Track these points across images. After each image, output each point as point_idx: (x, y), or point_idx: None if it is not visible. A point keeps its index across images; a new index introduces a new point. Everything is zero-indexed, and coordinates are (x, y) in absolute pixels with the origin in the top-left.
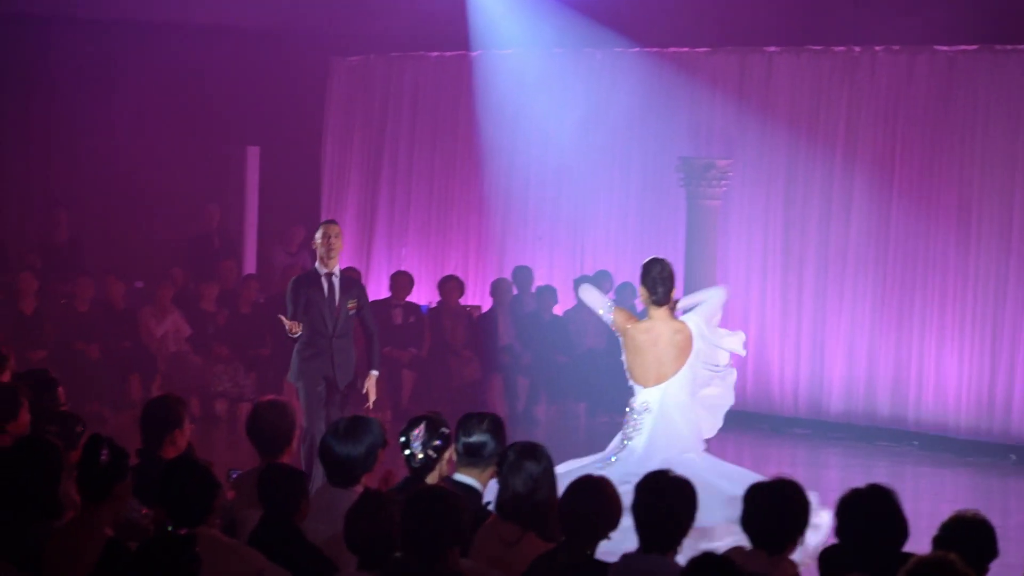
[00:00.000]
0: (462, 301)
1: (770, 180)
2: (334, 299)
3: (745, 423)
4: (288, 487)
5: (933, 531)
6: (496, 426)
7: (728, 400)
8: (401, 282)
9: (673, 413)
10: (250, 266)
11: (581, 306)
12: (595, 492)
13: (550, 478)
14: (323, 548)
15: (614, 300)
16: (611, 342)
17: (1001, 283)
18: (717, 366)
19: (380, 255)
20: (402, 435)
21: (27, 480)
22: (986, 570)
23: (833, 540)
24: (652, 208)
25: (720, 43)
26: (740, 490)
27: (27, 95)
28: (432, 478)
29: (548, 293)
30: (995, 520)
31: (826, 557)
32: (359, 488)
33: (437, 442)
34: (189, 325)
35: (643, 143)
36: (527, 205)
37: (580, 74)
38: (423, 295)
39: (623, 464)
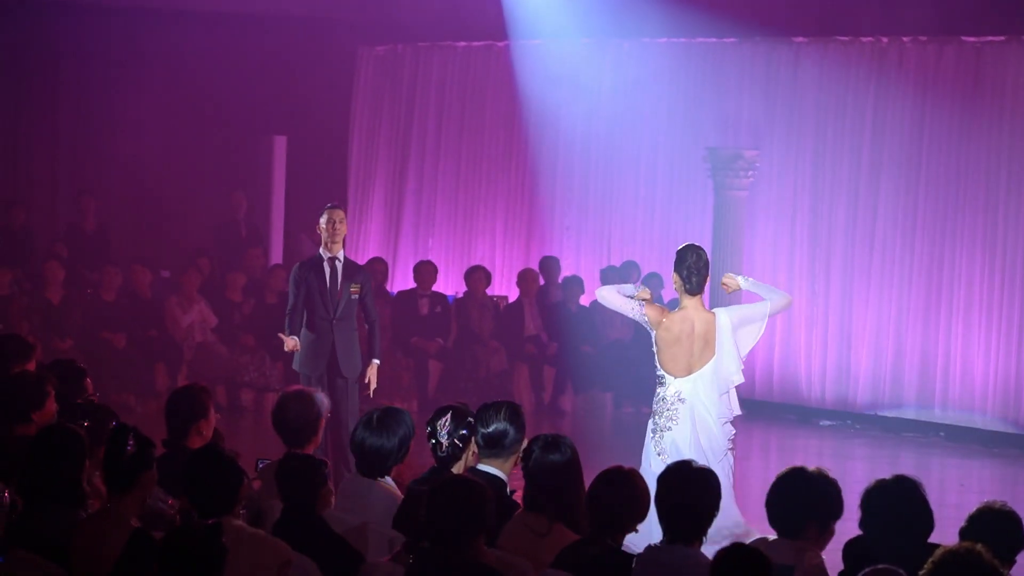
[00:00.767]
0: (488, 291)
1: (797, 170)
2: (336, 283)
3: (772, 414)
4: (306, 476)
5: (960, 522)
6: (514, 414)
7: (736, 410)
8: (425, 272)
9: (705, 403)
10: (276, 255)
11: None
12: (624, 484)
13: (576, 469)
14: (349, 537)
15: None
16: (637, 333)
17: None
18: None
19: (407, 245)
20: (429, 425)
21: (52, 468)
22: (1013, 561)
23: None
24: (679, 198)
25: (748, 34)
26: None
27: (55, 84)
28: (458, 468)
29: (575, 283)
30: (1022, 511)
31: (851, 548)
32: (389, 479)
33: (463, 432)
34: (215, 315)
35: (670, 133)
36: (554, 195)
37: (607, 64)
38: (450, 285)
39: (672, 459)
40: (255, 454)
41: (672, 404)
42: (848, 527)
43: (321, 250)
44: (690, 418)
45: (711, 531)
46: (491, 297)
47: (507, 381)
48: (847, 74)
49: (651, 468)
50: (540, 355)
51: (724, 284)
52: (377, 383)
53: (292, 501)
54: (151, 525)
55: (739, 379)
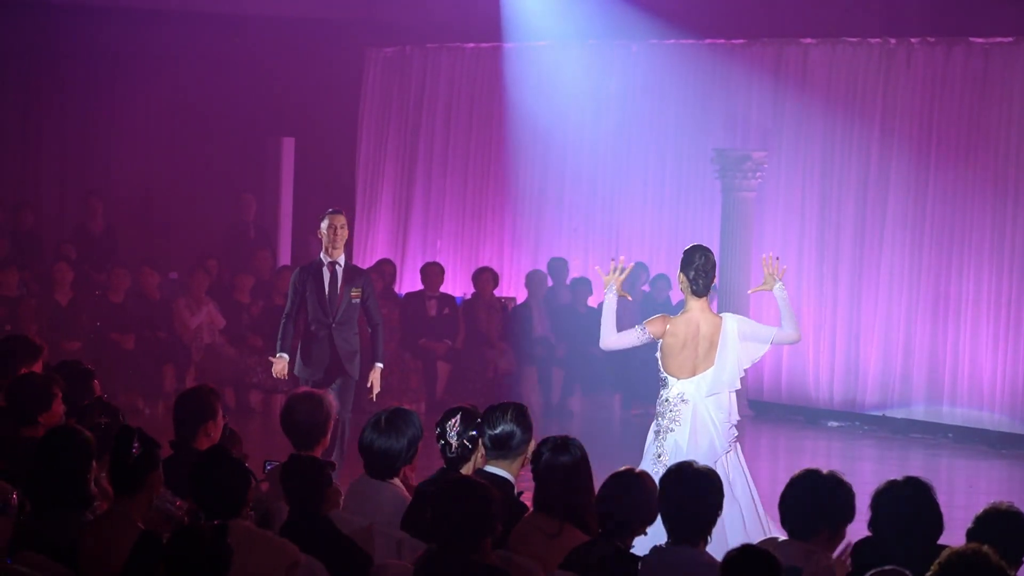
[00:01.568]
0: (496, 293)
1: (805, 172)
2: (336, 287)
3: (780, 415)
4: (311, 478)
5: (967, 523)
6: (520, 415)
7: (735, 416)
8: (432, 273)
9: (708, 404)
10: (285, 257)
11: None
12: (634, 486)
13: (585, 470)
14: (356, 538)
15: (647, 293)
16: None
17: None
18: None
19: (415, 246)
20: (438, 426)
21: (59, 470)
22: (1020, 562)
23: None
24: (687, 200)
25: (756, 35)
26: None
27: (63, 87)
28: (467, 469)
29: (583, 285)
30: None
31: (860, 549)
32: (397, 480)
33: (473, 433)
34: (223, 316)
35: (678, 135)
36: (562, 197)
37: (615, 66)
38: (458, 287)
39: (674, 462)
40: (263, 456)
41: (675, 405)
42: (856, 528)
43: (322, 254)
44: (691, 419)
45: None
46: (499, 298)
47: (515, 382)
48: (855, 75)
49: (649, 470)
50: (548, 356)
51: (766, 276)
52: (380, 387)
53: (296, 503)
54: (159, 527)
55: (737, 385)
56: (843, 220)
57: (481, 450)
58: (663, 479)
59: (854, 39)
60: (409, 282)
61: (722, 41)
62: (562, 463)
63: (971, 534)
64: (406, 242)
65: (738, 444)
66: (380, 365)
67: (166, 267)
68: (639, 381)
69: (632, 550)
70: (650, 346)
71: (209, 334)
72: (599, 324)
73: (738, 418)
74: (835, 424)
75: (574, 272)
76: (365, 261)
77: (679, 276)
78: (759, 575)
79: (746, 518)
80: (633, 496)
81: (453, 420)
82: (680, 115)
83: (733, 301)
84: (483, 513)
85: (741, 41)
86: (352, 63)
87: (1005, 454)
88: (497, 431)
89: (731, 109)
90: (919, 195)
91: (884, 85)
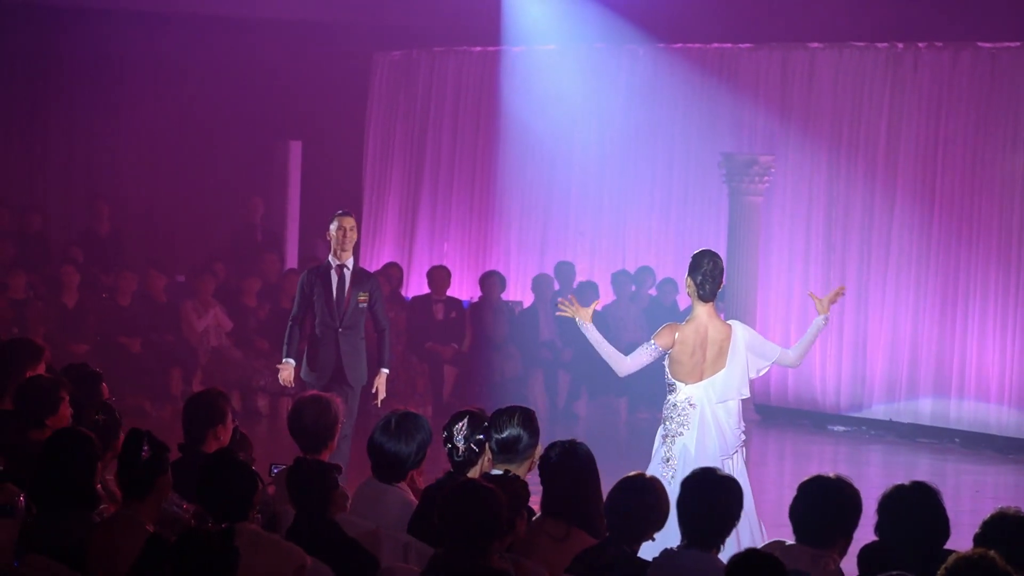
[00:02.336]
0: (503, 296)
1: (812, 176)
2: (343, 291)
3: (787, 420)
4: (316, 482)
5: (975, 528)
6: (527, 419)
7: (742, 423)
8: (439, 277)
9: (717, 410)
10: (292, 260)
11: (622, 301)
12: (642, 491)
13: (592, 474)
14: (363, 541)
15: (654, 297)
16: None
17: None
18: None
19: (422, 250)
20: (445, 430)
21: (64, 472)
22: None
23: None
24: (694, 204)
25: (763, 39)
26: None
27: (70, 90)
28: (474, 472)
29: (590, 289)
30: None
31: (866, 555)
32: (403, 484)
33: (480, 436)
34: (230, 319)
35: (685, 139)
36: (569, 201)
37: (622, 70)
38: (464, 290)
39: (683, 466)
40: (270, 459)
41: (683, 410)
42: (861, 533)
43: (330, 257)
44: (699, 423)
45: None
46: (506, 302)
47: (522, 386)
48: (862, 79)
49: (657, 474)
50: (555, 360)
51: (825, 301)
52: (385, 392)
53: (302, 507)
54: (166, 530)
55: (746, 393)
56: (850, 224)
57: (488, 454)
58: (685, 482)
59: (861, 43)
60: (416, 286)
61: (729, 45)
62: (569, 467)
63: (978, 539)
64: (413, 245)
65: (743, 449)
66: (386, 371)
67: (173, 270)
68: (645, 385)
69: (639, 554)
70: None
71: (216, 337)
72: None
73: (744, 425)
74: (841, 429)
75: (581, 276)
76: (372, 264)
77: (687, 280)
78: None
79: (751, 525)
80: (642, 500)
81: (460, 424)
82: (687, 119)
83: (740, 305)
84: (491, 517)
85: (748, 45)
86: (359, 66)
87: (1012, 459)
88: (504, 435)
89: (738, 113)
90: (926, 199)
91: (891, 89)
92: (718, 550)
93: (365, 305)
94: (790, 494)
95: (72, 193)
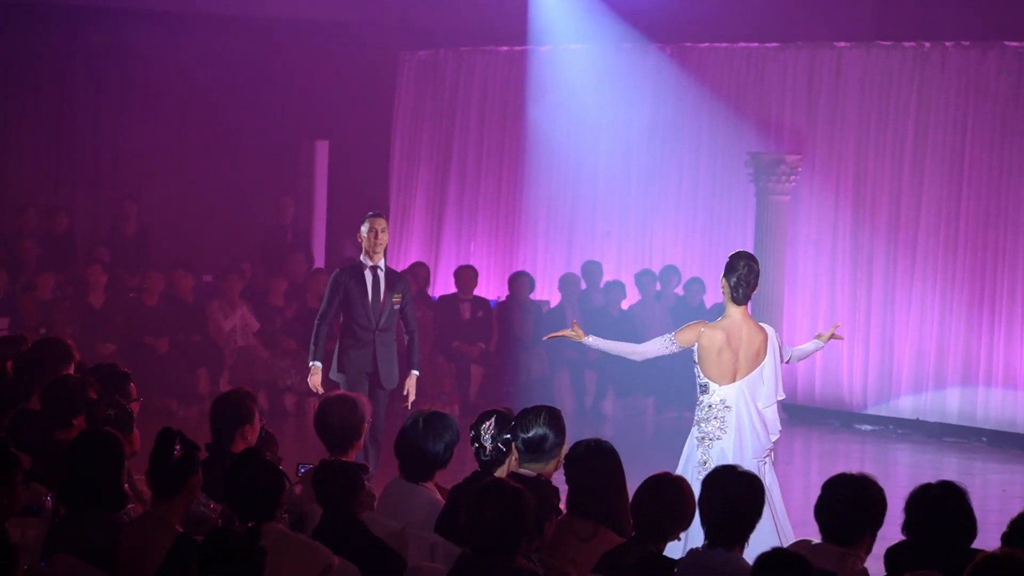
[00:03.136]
0: (531, 296)
1: (839, 176)
2: (378, 293)
3: (813, 419)
4: (341, 482)
5: (1002, 528)
6: (553, 418)
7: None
8: (466, 276)
9: (751, 411)
10: (319, 260)
11: (647, 301)
12: (669, 491)
13: (618, 474)
14: (390, 541)
15: (680, 296)
16: None
17: None
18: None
19: (449, 250)
20: (472, 429)
21: (91, 473)
22: None
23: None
24: (721, 203)
25: (790, 38)
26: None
27: (97, 89)
28: (501, 472)
29: (616, 288)
30: None
31: (893, 554)
32: (430, 484)
33: (507, 436)
34: (257, 319)
35: (712, 138)
36: (595, 200)
37: (649, 69)
38: (491, 290)
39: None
40: (297, 458)
41: (719, 412)
42: (888, 532)
43: (362, 258)
44: (736, 426)
45: None
46: (533, 301)
47: (549, 386)
48: (889, 79)
49: (692, 476)
50: (582, 360)
51: (825, 336)
52: (415, 395)
53: (329, 506)
54: (194, 530)
55: (782, 395)
56: (877, 223)
57: (515, 453)
58: (706, 481)
59: (888, 42)
60: (443, 285)
61: (756, 45)
62: (594, 466)
63: (1006, 539)
64: (440, 245)
65: (773, 452)
66: (416, 373)
67: (200, 270)
68: (673, 385)
69: (665, 554)
70: (687, 351)
71: (243, 337)
72: (633, 327)
73: (780, 427)
74: (868, 428)
75: (608, 275)
76: (399, 264)
77: (721, 281)
78: None
79: (781, 526)
80: (669, 500)
81: (488, 423)
82: (714, 118)
83: (767, 304)
84: (518, 517)
85: (775, 45)
86: (386, 66)
87: None
88: (530, 434)
89: (765, 113)
90: (953, 198)
91: (918, 88)
92: (742, 548)
93: (399, 307)
94: (816, 494)
95: (99, 193)
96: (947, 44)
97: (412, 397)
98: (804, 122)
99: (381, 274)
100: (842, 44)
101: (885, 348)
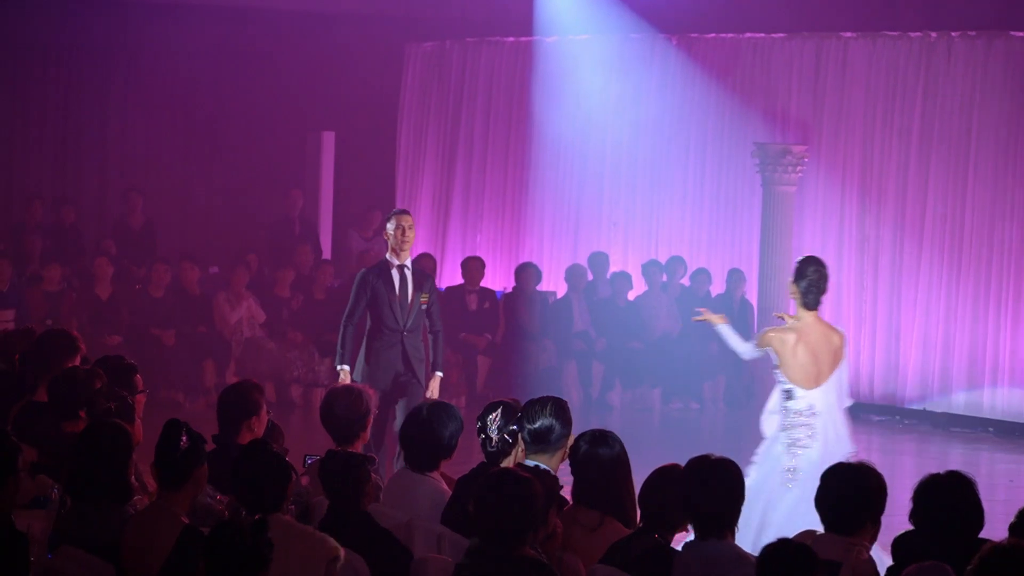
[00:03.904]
0: (538, 287)
1: (846, 166)
2: (406, 292)
3: None
4: (348, 474)
5: (1009, 518)
6: (559, 409)
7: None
8: (473, 267)
9: (836, 418)
10: (325, 251)
11: (654, 291)
12: (676, 482)
13: (623, 464)
14: (397, 533)
15: (686, 287)
16: (685, 328)
17: None
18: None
19: (455, 241)
20: (479, 420)
21: (98, 465)
22: None
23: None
24: (727, 194)
25: (796, 29)
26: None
27: (104, 82)
28: (507, 463)
29: (623, 279)
30: None
31: (900, 543)
32: (436, 474)
33: (513, 427)
34: (263, 311)
35: (718, 129)
36: (602, 191)
37: (656, 60)
38: (498, 281)
39: (811, 479)
40: (304, 450)
41: (808, 418)
42: (895, 521)
43: (388, 256)
44: (824, 433)
45: None
46: (540, 292)
47: (555, 377)
48: (896, 69)
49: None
50: (588, 351)
51: None
52: (439, 397)
53: (336, 498)
54: (201, 521)
55: (848, 401)
56: (883, 213)
57: (521, 444)
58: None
59: (894, 33)
60: (449, 276)
61: (762, 35)
62: (601, 456)
63: (1013, 528)
64: (446, 236)
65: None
66: (440, 375)
67: (207, 262)
68: (679, 375)
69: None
70: (693, 340)
71: (249, 328)
72: (639, 318)
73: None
74: (876, 418)
75: (614, 266)
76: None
77: (790, 286)
78: (795, 568)
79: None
80: (675, 491)
81: (494, 414)
82: (720, 109)
83: (774, 295)
84: (527, 506)
85: (781, 35)
86: (392, 58)
87: None
88: (536, 425)
89: (771, 103)
90: (959, 189)
91: (924, 79)
92: (733, 535)
93: (426, 307)
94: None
95: (106, 185)
96: (953, 34)
97: (435, 398)
98: (810, 113)
99: (408, 273)
100: (848, 34)
101: (891, 338)
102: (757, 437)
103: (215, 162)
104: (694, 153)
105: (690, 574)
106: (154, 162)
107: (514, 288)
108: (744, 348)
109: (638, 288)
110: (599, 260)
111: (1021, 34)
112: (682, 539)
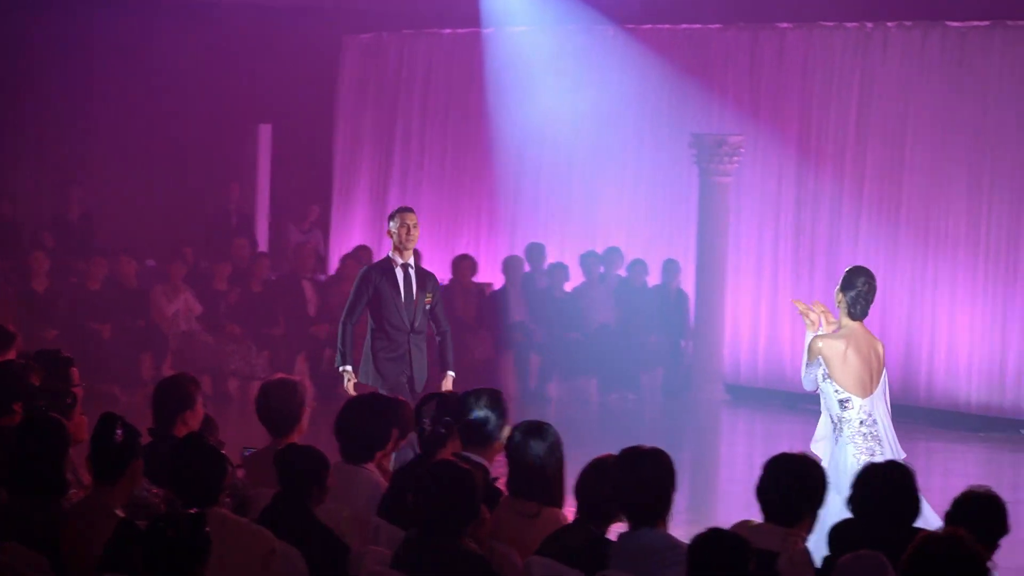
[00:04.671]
0: (474, 278)
1: (782, 155)
2: (411, 292)
3: (757, 399)
4: (302, 467)
5: (945, 507)
6: (495, 401)
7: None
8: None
9: (888, 424)
10: (262, 244)
11: (591, 283)
12: (611, 473)
13: (557, 454)
14: (336, 526)
15: (624, 277)
16: (622, 318)
17: (1012, 258)
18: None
19: None
20: (416, 411)
21: (34, 458)
22: (996, 546)
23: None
24: (664, 184)
25: (732, 19)
26: None
27: (40, 74)
28: (443, 455)
29: (560, 270)
30: (1006, 495)
31: (836, 532)
32: (371, 466)
33: (447, 418)
34: (200, 304)
35: (655, 119)
36: (539, 182)
37: (593, 51)
38: (434, 272)
39: None
40: (241, 443)
41: (869, 426)
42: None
43: (392, 255)
44: (885, 438)
45: None
46: (476, 284)
47: (492, 368)
48: (832, 59)
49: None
50: (526, 342)
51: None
52: None
53: (288, 491)
54: (136, 515)
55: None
56: (819, 203)
57: (456, 436)
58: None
59: (830, 23)
60: None
61: (698, 26)
62: (535, 447)
63: (948, 517)
64: (383, 228)
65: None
66: (452, 374)
67: (144, 255)
68: (616, 366)
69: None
70: (630, 331)
71: (186, 321)
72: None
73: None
74: (813, 408)
75: (551, 257)
76: (342, 247)
77: (837, 295)
78: (727, 558)
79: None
80: (611, 482)
81: (429, 405)
82: (657, 100)
83: (709, 284)
84: (468, 498)
85: (717, 26)
86: (329, 49)
87: (982, 437)
88: (472, 417)
89: (707, 94)
90: (895, 178)
91: (861, 69)
92: (665, 524)
93: (430, 307)
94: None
95: (43, 178)
96: (889, 24)
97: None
98: (747, 103)
99: (412, 272)
100: (785, 25)
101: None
102: (694, 428)
103: (152, 154)
104: (631, 143)
105: (625, 564)
106: (91, 154)
107: (451, 280)
108: (805, 372)
109: (575, 279)
110: (536, 251)
111: (956, 24)
112: (618, 530)
